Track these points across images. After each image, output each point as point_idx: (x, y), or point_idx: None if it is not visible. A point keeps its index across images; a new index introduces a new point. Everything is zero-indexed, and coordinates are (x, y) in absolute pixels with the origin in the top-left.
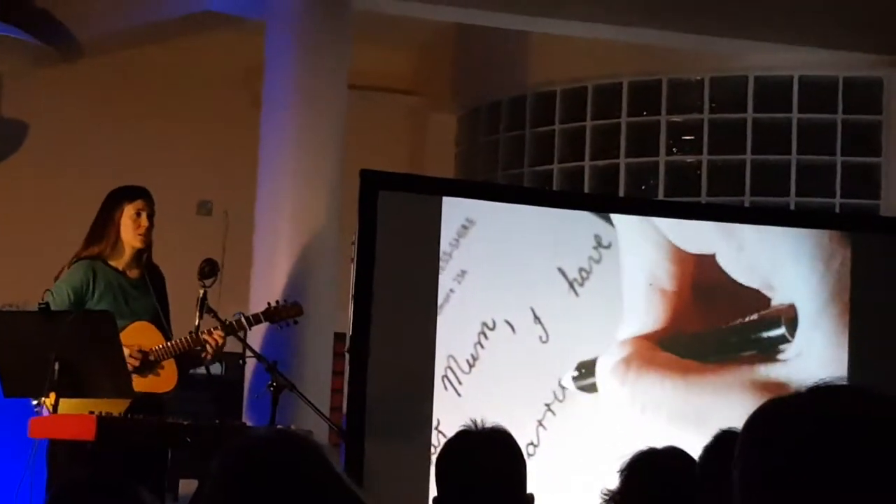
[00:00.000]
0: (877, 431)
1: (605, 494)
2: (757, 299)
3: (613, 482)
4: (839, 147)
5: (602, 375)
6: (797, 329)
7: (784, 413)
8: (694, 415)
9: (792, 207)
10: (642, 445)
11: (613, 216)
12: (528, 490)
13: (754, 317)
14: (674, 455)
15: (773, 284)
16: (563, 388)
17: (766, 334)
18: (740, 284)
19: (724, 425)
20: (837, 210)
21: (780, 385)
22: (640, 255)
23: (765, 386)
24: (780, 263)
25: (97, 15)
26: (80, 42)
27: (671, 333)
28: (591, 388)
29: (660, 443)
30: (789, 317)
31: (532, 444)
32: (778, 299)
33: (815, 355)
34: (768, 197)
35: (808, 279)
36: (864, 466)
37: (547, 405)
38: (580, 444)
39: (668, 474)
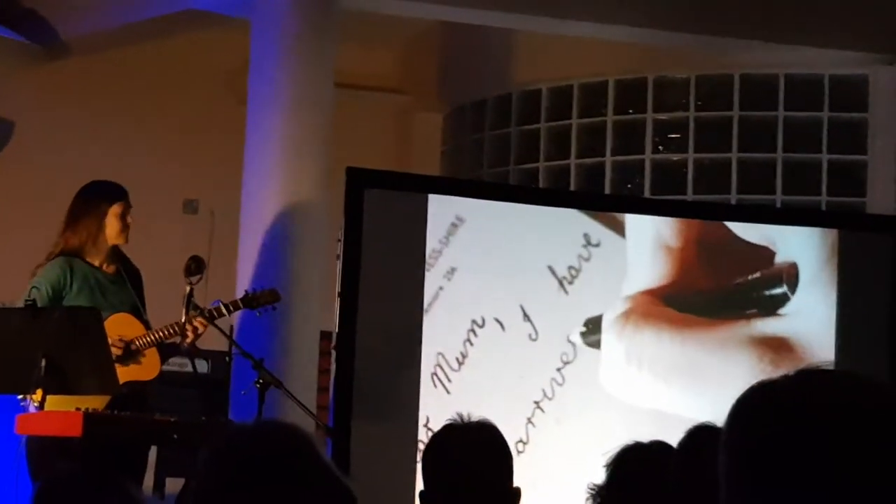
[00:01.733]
0: (865, 418)
1: (592, 489)
2: (761, 256)
3: (600, 477)
4: (825, 145)
5: (606, 330)
6: (797, 287)
7: (772, 398)
8: (689, 368)
9: (778, 205)
10: (630, 435)
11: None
12: (516, 485)
13: (757, 275)
14: (659, 449)
15: (776, 241)
16: (571, 343)
17: (767, 292)
18: (745, 241)
19: (721, 380)
20: (823, 207)
21: (777, 339)
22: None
23: (762, 341)
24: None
25: (83, 13)
26: (65, 41)
27: (676, 290)
28: (596, 344)
29: (654, 396)
30: (791, 275)
31: (521, 441)
32: (780, 256)
33: (812, 314)
34: (754, 195)
35: (809, 237)
36: (852, 454)
37: (536, 402)
38: (569, 441)
39: (653, 468)
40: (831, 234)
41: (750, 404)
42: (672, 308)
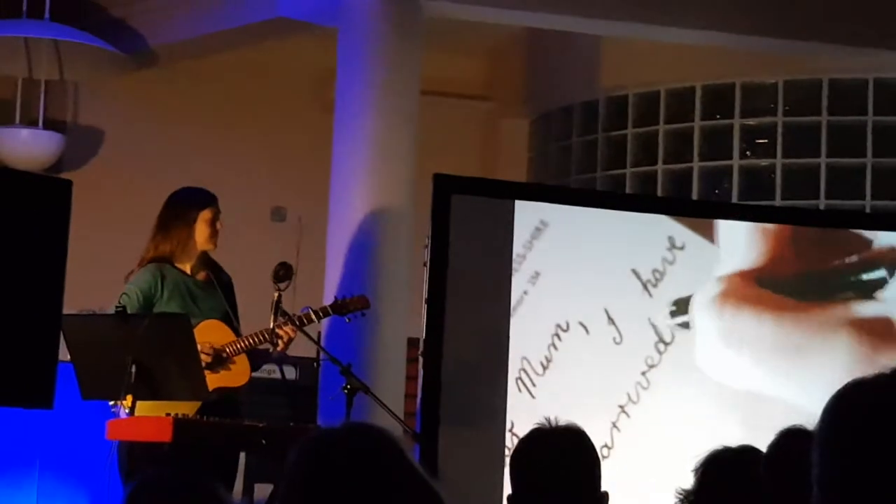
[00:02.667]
0: None
1: (680, 494)
2: (858, 241)
3: (688, 481)
4: None
5: (697, 311)
6: None
7: (867, 397)
8: (790, 351)
9: (867, 210)
10: (716, 439)
11: None
12: (603, 489)
13: (854, 258)
14: (748, 453)
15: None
16: (653, 325)
17: (865, 275)
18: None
19: (822, 363)
20: None
21: (876, 322)
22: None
23: (860, 324)
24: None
25: (171, 23)
26: (154, 50)
27: (770, 271)
28: (685, 326)
29: (754, 378)
30: (891, 258)
31: (606, 445)
32: (878, 241)
33: None
34: (843, 200)
35: None
36: None
37: (621, 407)
38: (655, 445)
39: (742, 473)
40: None
41: (844, 403)
42: (768, 290)
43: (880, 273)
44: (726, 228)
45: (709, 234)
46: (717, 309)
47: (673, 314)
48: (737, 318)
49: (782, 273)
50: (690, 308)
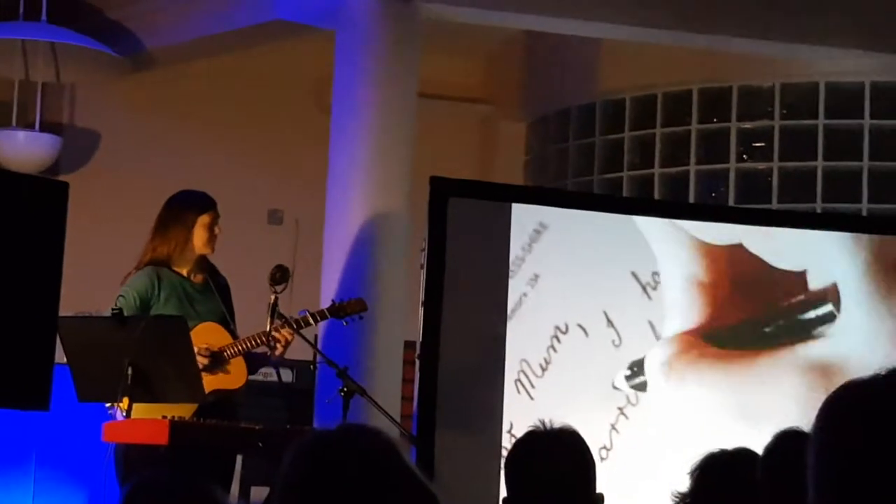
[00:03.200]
0: None
1: (676, 497)
2: (794, 282)
3: (684, 484)
4: None
5: (651, 373)
6: (842, 306)
7: (862, 398)
8: (745, 408)
9: (864, 214)
10: (708, 445)
11: (639, 220)
12: (599, 491)
13: (801, 297)
14: (744, 455)
15: (806, 265)
16: (617, 389)
17: (812, 314)
18: (774, 268)
19: (778, 415)
20: None
21: (828, 365)
22: (673, 255)
23: (812, 367)
24: (810, 245)
25: (168, 25)
26: (151, 52)
27: (715, 326)
28: (642, 387)
29: (719, 439)
30: (834, 293)
31: (605, 447)
32: (815, 280)
33: (859, 330)
34: (840, 203)
35: (840, 253)
36: None
37: (620, 409)
38: (654, 447)
39: (738, 475)
40: (864, 247)
41: (839, 405)
42: (713, 345)
43: (827, 308)
44: (666, 284)
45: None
46: (665, 375)
47: (628, 378)
48: (683, 384)
49: (727, 325)
50: (645, 370)
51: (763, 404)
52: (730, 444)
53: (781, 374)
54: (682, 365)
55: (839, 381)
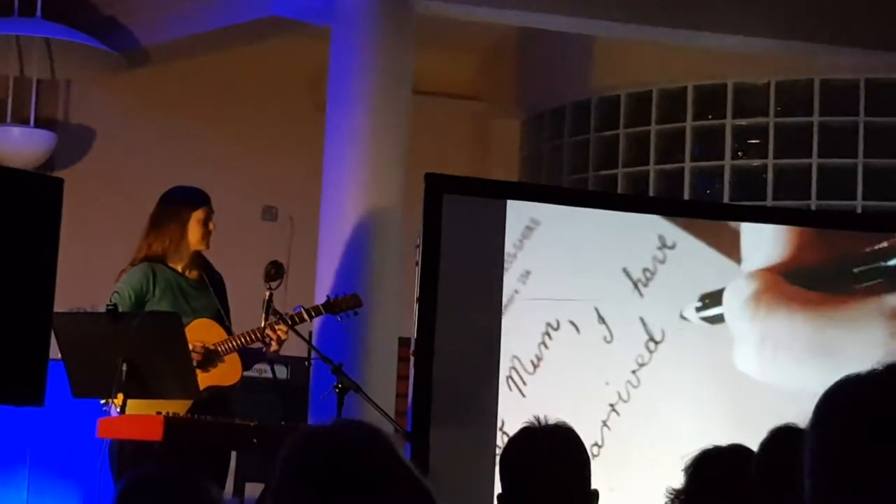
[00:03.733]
0: None
1: (671, 493)
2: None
3: (678, 481)
4: None
5: (730, 307)
6: None
7: (858, 394)
8: (827, 348)
9: (858, 211)
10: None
11: None
12: (593, 487)
13: (884, 244)
14: (738, 452)
15: None
16: (684, 318)
17: (894, 262)
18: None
19: (856, 358)
20: None
21: None
22: None
23: (893, 313)
24: None
25: (163, 21)
26: (146, 48)
27: (796, 265)
28: (717, 320)
29: (790, 377)
30: None
31: (596, 444)
32: None
33: None
34: (834, 200)
35: None
36: None
37: (611, 405)
38: (645, 444)
39: (733, 472)
40: None
41: (837, 399)
42: (798, 286)
43: None
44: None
45: (701, 234)
46: (752, 310)
47: (699, 309)
48: (770, 320)
49: (808, 265)
50: (722, 301)
51: (847, 349)
52: (723, 440)
53: (863, 321)
54: (770, 298)
55: None
